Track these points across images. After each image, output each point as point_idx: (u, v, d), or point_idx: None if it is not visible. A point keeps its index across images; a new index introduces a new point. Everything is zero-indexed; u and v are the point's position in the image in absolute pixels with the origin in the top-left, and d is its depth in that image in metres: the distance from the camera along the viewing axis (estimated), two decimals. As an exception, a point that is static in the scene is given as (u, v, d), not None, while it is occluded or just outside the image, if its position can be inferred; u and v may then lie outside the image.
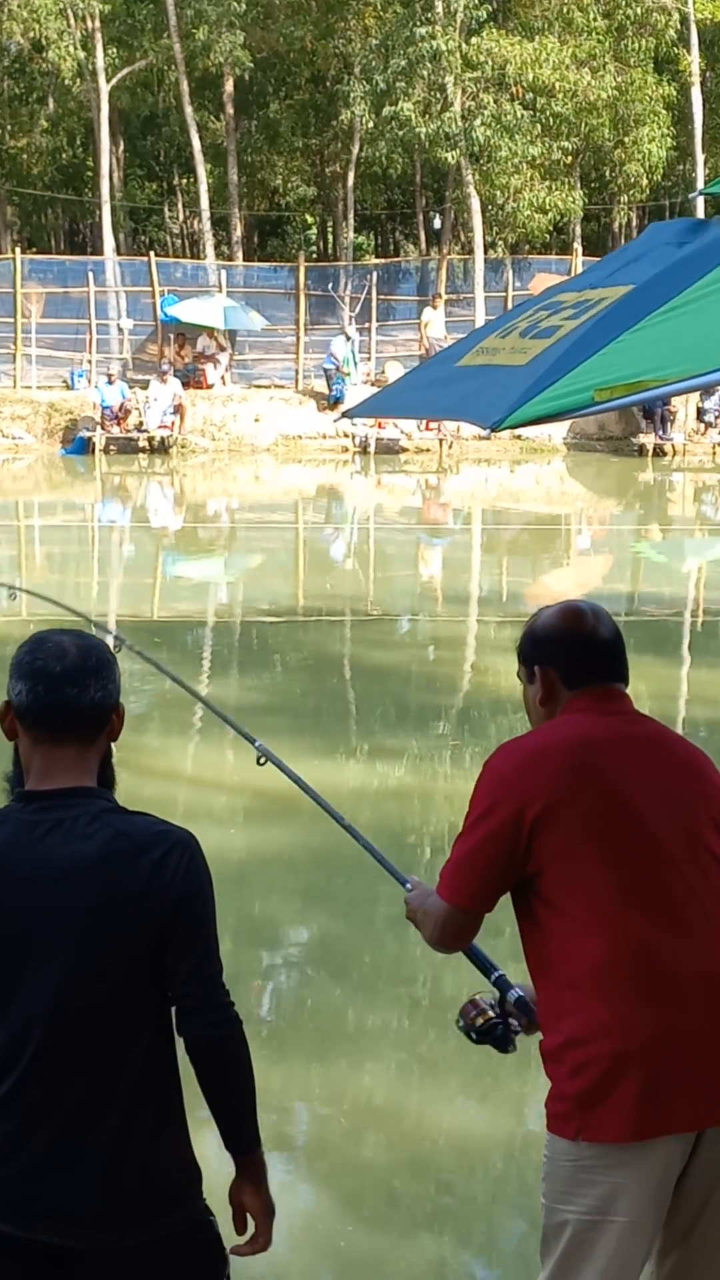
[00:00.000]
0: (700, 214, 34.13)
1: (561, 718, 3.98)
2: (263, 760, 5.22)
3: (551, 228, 45.20)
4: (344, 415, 5.12)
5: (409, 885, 4.33)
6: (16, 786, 3.54)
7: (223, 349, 38.64)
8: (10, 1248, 3.38)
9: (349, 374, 37.79)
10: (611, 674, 4.04)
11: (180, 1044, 3.47)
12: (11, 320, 38.73)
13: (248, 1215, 3.51)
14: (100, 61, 44.97)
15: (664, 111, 42.85)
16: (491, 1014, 4.13)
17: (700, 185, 43.62)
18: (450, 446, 36.27)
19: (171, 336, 38.80)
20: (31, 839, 3.39)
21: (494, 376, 3.97)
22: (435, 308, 39.29)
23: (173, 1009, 3.43)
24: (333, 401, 37.15)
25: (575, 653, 4.01)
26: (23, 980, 3.35)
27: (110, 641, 6.39)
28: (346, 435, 36.59)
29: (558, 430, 37.43)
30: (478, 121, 40.03)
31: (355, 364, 38.71)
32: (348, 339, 38.43)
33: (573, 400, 3.76)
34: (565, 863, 3.70)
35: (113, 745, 3.66)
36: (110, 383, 35.84)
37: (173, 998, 3.41)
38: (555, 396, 3.75)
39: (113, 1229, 3.35)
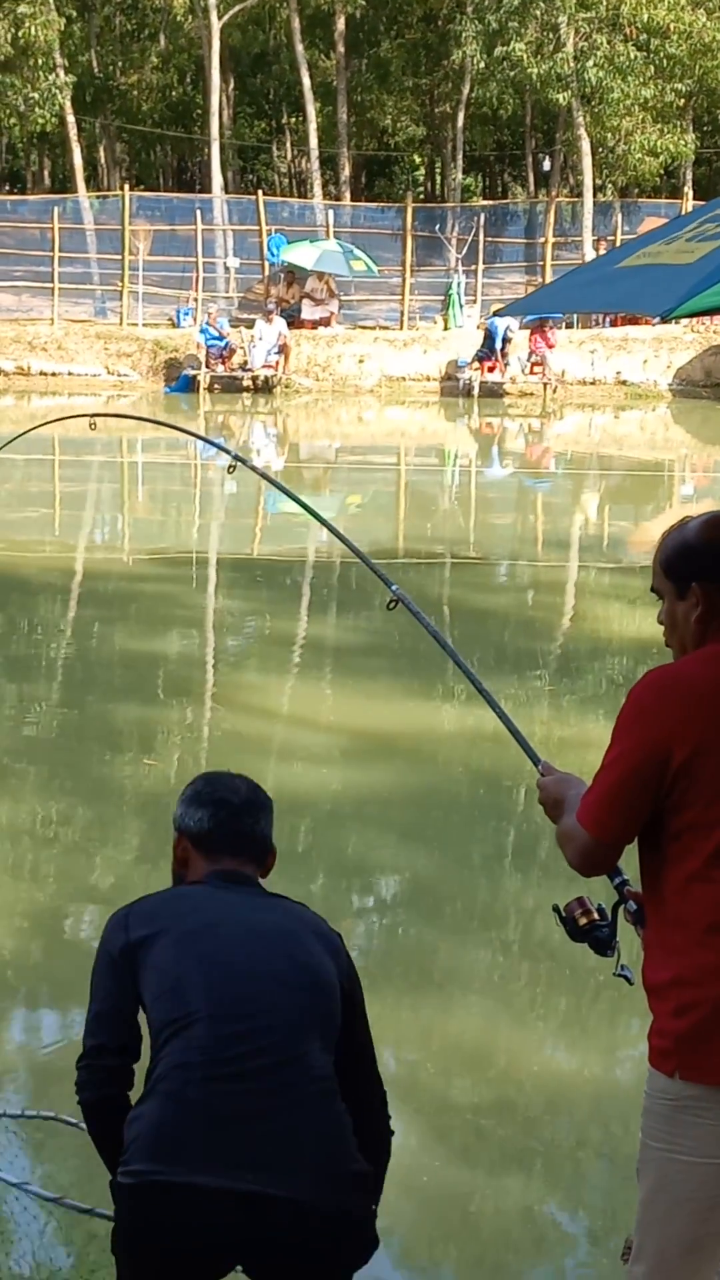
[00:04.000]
0: None
1: (714, 649, 3.77)
2: (393, 603, 5.12)
3: (662, 171, 44.78)
4: (495, 314, 5.06)
5: (541, 768, 4.27)
6: None
7: (333, 294, 38.49)
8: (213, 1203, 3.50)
9: (453, 316, 37.68)
10: None
11: None
12: (119, 257, 38.85)
13: None
14: (212, -2, 44.83)
15: (780, 54, 42.23)
16: (597, 916, 4.03)
17: None
18: (554, 390, 36.02)
19: (282, 275, 38.73)
20: (224, 897, 3.77)
21: (659, 273, 3.89)
22: (599, 251, 38.87)
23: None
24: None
25: None
26: (242, 970, 3.66)
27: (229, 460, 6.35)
28: (451, 379, 36.39)
29: (663, 376, 37.15)
30: (590, 62, 39.63)
31: (461, 305, 38.49)
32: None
33: None
34: (704, 808, 3.62)
35: None
36: (212, 321, 35.84)
37: (354, 1081, 3.76)
38: None
39: (325, 1189, 3.52)
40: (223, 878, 3.81)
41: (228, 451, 6.20)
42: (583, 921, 4.05)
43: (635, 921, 3.95)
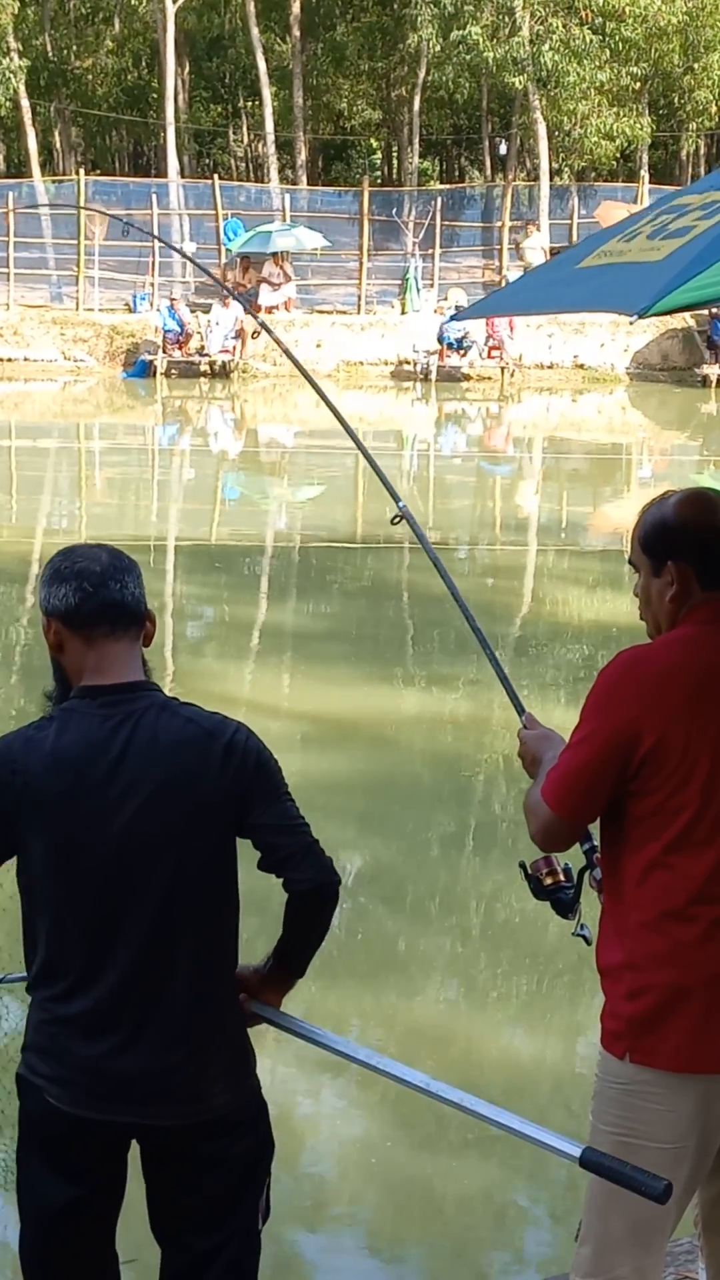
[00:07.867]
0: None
1: (688, 632, 3.72)
2: (397, 519, 4.99)
3: (618, 155, 44.75)
4: (453, 318, 5.03)
5: (525, 720, 4.24)
6: (63, 697, 3.64)
7: (289, 278, 38.39)
8: (97, 1131, 3.49)
9: (410, 300, 37.68)
10: None
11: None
12: (75, 242, 38.67)
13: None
14: (167, -19, 44.62)
15: (735, 37, 42.28)
16: (562, 878, 4.03)
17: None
18: (512, 375, 36.02)
19: (238, 260, 38.61)
20: (105, 732, 3.50)
21: (627, 272, 3.84)
22: (529, 235, 38.89)
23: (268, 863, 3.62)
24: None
25: (715, 549, 3.73)
26: (110, 867, 3.46)
27: None
28: (407, 363, 36.38)
29: (620, 360, 37.21)
30: (546, 46, 39.59)
31: (418, 290, 38.45)
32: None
33: None
34: (667, 794, 3.60)
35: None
36: (171, 306, 35.73)
37: (271, 852, 3.60)
38: (705, 285, 3.74)
39: (196, 1102, 3.49)
40: (100, 696, 3.52)
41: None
42: (548, 881, 4.04)
43: (601, 890, 3.95)
